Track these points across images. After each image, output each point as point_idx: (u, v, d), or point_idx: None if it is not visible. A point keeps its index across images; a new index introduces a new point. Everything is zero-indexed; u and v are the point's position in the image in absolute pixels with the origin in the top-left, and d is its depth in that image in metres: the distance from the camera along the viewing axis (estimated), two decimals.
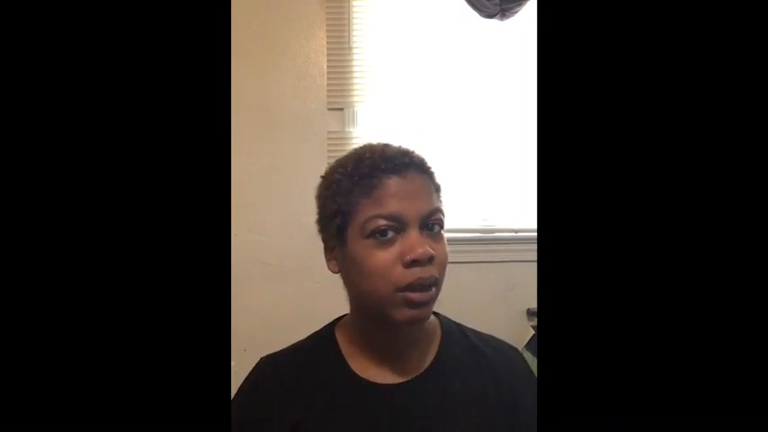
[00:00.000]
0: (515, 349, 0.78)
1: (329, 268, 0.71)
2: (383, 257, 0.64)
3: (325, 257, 0.72)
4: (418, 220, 0.65)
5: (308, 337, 0.78)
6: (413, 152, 0.70)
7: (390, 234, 0.64)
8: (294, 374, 0.71)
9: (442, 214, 0.68)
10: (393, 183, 0.65)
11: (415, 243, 0.63)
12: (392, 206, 0.64)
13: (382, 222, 0.64)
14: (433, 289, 0.65)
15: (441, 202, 0.70)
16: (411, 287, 0.63)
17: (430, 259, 0.63)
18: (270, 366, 0.74)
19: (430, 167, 0.70)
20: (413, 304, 0.64)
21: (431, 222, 0.66)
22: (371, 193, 0.65)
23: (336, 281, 0.72)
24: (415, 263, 0.63)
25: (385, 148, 0.70)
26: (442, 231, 0.68)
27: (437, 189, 0.70)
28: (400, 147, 0.71)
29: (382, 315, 0.66)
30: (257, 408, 0.70)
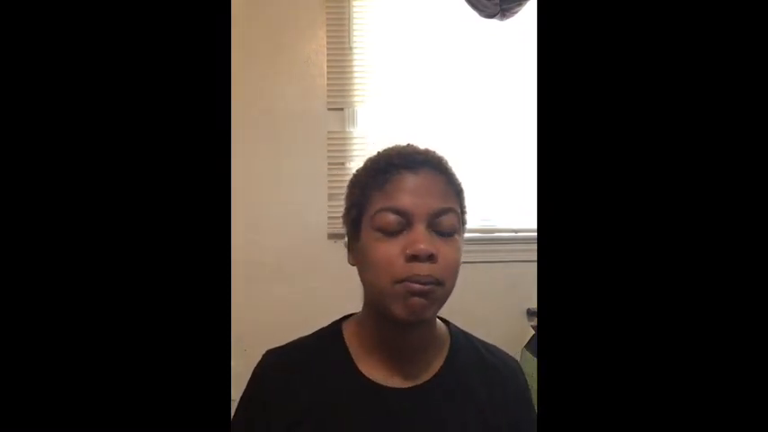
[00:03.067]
0: (515, 360, 0.78)
1: (348, 260, 0.72)
2: (387, 250, 0.64)
3: (347, 250, 0.73)
4: (426, 216, 0.64)
5: (314, 333, 0.77)
6: (431, 151, 0.70)
7: (397, 228, 0.64)
8: (297, 371, 0.71)
9: (457, 216, 0.67)
10: (404, 178, 0.66)
11: (418, 238, 0.63)
12: (401, 200, 0.65)
13: (390, 216, 0.64)
14: (432, 287, 0.63)
15: (457, 204, 0.68)
16: (407, 281, 0.63)
17: (430, 257, 0.63)
18: (274, 362, 0.74)
19: (448, 168, 0.70)
20: (408, 296, 0.63)
21: (441, 222, 0.65)
22: (383, 187, 0.66)
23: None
24: (414, 258, 0.63)
25: (405, 146, 0.71)
26: (457, 236, 0.67)
27: (457, 192, 0.70)
28: (420, 147, 0.71)
29: (384, 309, 0.66)
30: (261, 403, 0.70)
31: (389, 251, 0.64)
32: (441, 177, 0.68)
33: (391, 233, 0.65)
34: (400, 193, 0.65)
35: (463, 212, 0.71)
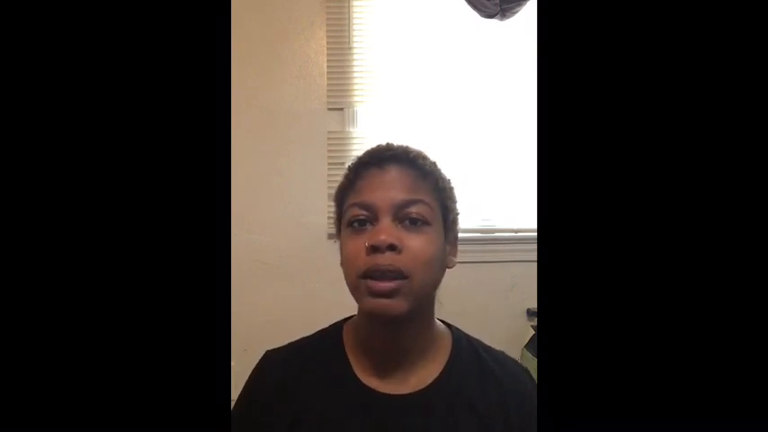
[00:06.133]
0: (525, 369, 0.74)
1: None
2: (354, 244, 0.65)
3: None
4: (390, 209, 0.64)
5: (315, 333, 0.76)
6: (400, 146, 0.69)
7: (365, 223, 0.65)
8: (295, 373, 0.70)
9: (428, 208, 0.66)
10: (371, 174, 0.67)
11: (379, 230, 0.63)
12: (365, 195, 0.66)
13: (356, 210, 0.66)
14: (397, 281, 0.62)
15: (432, 197, 0.67)
16: (369, 274, 0.62)
17: (391, 247, 0.62)
18: (272, 363, 0.73)
19: (419, 163, 0.68)
20: (372, 293, 0.62)
21: (409, 214, 0.64)
22: (354, 185, 0.68)
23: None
24: (374, 249, 0.62)
25: (378, 145, 0.71)
26: (429, 228, 0.65)
27: (434, 185, 0.68)
28: (392, 143, 0.70)
29: (359, 305, 0.66)
30: (257, 404, 0.70)
31: (356, 245, 0.64)
32: (410, 171, 0.67)
33: (360, 228, 0.65)
34: (366, 189, 0.66)
35: (446, 208, 0.69)
